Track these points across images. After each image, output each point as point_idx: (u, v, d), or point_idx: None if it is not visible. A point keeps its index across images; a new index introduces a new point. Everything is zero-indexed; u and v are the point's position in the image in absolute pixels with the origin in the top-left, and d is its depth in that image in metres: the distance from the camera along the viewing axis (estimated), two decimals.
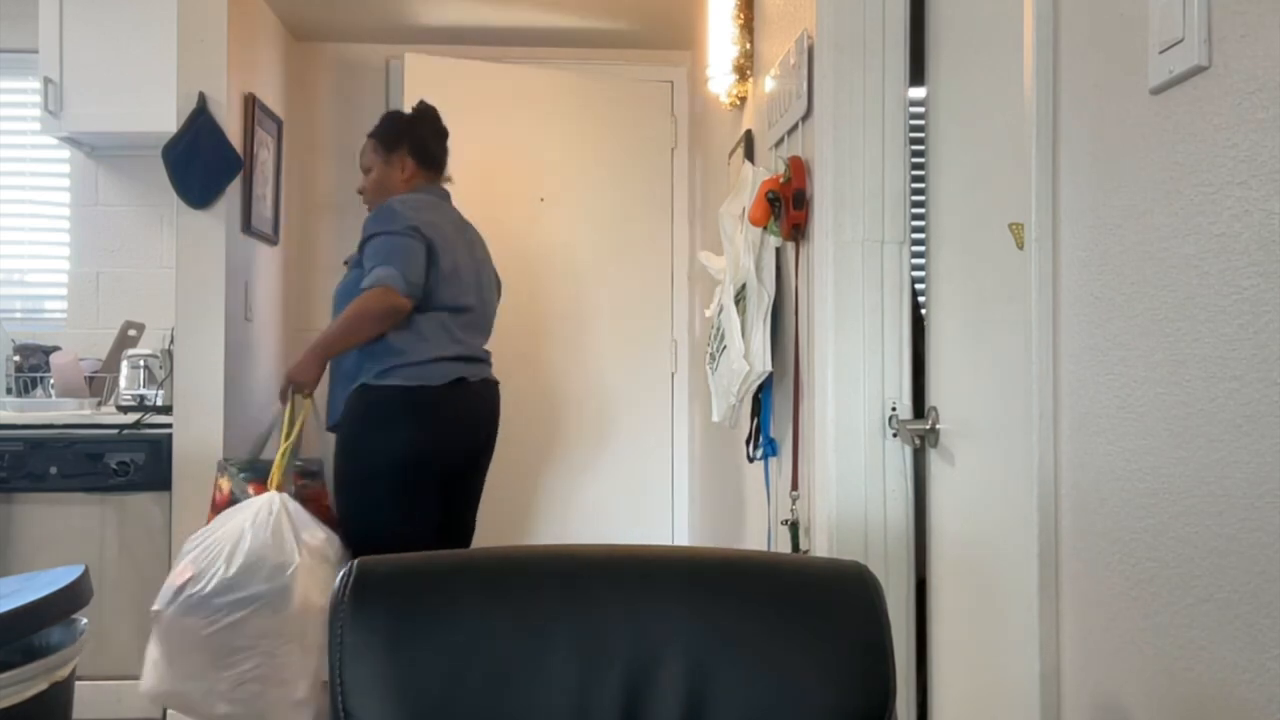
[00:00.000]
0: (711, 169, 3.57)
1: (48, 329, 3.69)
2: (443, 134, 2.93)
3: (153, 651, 2.39)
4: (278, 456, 2.60)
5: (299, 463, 2.68)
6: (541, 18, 3.67)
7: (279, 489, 2.50)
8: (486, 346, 2.87)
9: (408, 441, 2.60)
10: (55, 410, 3.16)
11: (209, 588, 2.33)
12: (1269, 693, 0.91)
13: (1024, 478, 1.35)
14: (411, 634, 0.96)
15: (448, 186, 2.95)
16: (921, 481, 1.99)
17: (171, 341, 3.14)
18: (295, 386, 2.67)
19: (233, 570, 2.33)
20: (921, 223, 1.99)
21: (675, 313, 3.99)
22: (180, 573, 2.38)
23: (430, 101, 2.97)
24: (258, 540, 2.37)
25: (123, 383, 3.21)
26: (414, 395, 2.60)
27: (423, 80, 3.54)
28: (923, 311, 2.01)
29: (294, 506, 2.47)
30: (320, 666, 2.41)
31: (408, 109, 2.99)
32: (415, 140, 2.87)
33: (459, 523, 2.87)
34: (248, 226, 3.28)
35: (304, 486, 2.64)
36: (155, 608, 2.38)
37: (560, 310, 3.85)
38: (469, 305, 2.74)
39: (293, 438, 2.63)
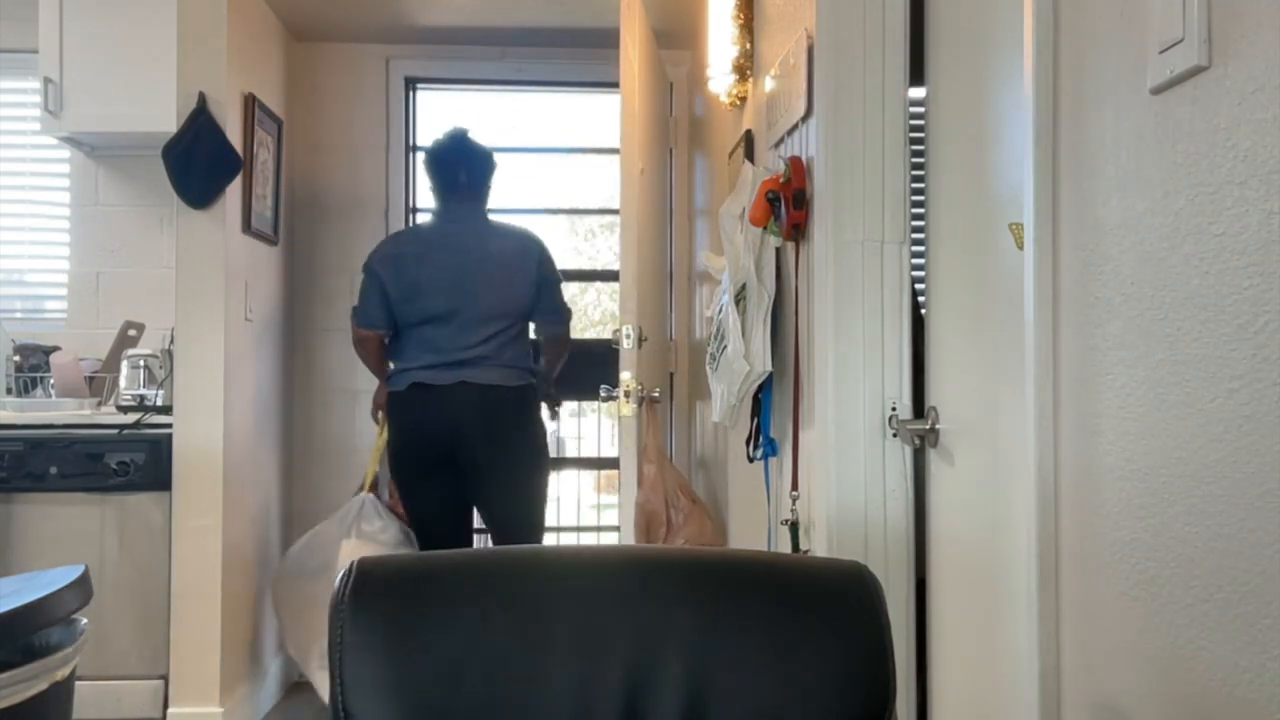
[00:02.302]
0: (712, 169, 3.57)
1: (48, 329, 3.68)
2: (440, 158, 3.07)
3: None
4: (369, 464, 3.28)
5: None
6: (541, 17, 3.67)
7: (369, 490, 3.20)
8: (488, 338, 2.96)
9: (389, 439, 3.08)
10: (55, 410, 3.16)
11: (291, 558, 3.18)
12: (1269, 693, 0.91)
13: (1024, 478, 1.35)
14: (411, 634, 0.96)
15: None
16: (921, 481, 1.99)
17: (171, 341, 3.14)
18: (374, 406, 3.27)
19: (303, 546, 3.16)
20: (921, 223, 1.99)
21: (675, 313, 3.99)
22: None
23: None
24: (329, 528, 3.15)
25: (123, 383, 3.20)
26: (393, 400, 3.03)
27: None
28: (923, 311, 2.01)
29: (371, 505, 3.16)
30: None
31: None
32: (429, 177, 3.12)
33: (490, 519, 3.12)
34: (248, 226, 3.28)
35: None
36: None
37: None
38: (438, 313, 2.95)
39: (377, 449, 3.24)
